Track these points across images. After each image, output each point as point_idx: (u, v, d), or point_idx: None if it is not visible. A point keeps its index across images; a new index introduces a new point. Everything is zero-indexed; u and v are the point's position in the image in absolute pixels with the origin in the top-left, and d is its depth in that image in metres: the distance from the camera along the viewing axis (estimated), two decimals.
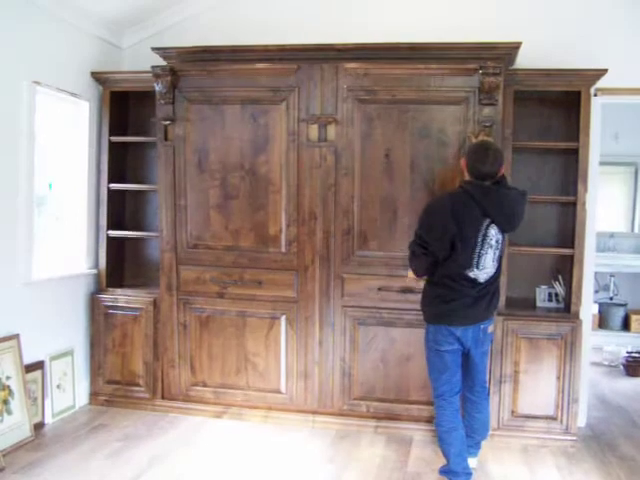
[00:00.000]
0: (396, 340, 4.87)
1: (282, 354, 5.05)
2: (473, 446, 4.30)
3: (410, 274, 4.16)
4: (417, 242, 3.88)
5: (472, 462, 4.30)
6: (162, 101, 5.02)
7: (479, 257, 3.78)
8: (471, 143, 4.18)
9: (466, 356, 4.05)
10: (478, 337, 3.97)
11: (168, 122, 5.05)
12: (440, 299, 3.92)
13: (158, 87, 4.98)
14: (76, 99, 5.20)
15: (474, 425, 4.23)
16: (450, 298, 3.88)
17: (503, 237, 3.90)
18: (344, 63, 4.76)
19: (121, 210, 5.67)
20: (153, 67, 4.97)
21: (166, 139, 5.08)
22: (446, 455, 3.96)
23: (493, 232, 3.80)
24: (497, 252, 3.85)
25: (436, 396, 4.03)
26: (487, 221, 3.77)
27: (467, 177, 3.92)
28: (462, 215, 3.73)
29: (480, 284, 3.86)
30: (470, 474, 3.96)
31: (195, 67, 4.99)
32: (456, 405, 4.00)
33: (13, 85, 4.54)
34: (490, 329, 4.07)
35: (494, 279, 3.95)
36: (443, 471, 4.04)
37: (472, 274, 3.81)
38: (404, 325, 4.84)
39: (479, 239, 3.77)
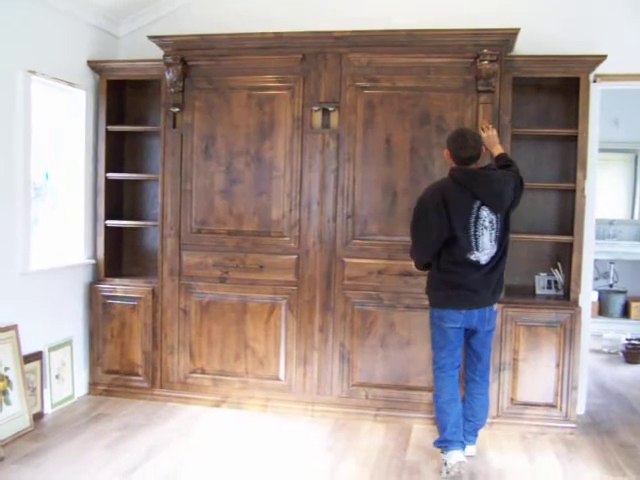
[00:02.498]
0: (396, 324, 4.89)
1: (281, 340, 5.07)
2: (471, 433, 4.33)
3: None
4: (417, 236, 4.07)
5: (471, 450, 4.32)
6: (172, 89, 5.07)
7: (476, 239, 3.95)
8: (450, 133, 4.25)
9: (472, 334, 4.18)
10: (484, 317, 4.10)
11: (177, 110, 5.09)
12: (446, 285, 4.05)
13: (169, 76, 5.04)
14: (72, 88, 5.17)
15: (475, 407, 4.29)
16: (456, 283, 4.02)
17: (497, 218, 4.01)
18: (347, 53, 4.83)
19: (119, 200, 5.66)
20: (165, 56, 5.03)
21: (174, 126, 5.12)
22: (443, 425, 4.08)
23: (485, 213, 3.96)
24: (494, 232, 3.99)
25: (437, 368, 4.16)
26: (477, 203, 3.94)
27: (452, 165, 4.07)
28: (453, 201, 3.92)
29: (483, 266, 4.00)
30: (464, 444, 4.11)
31: (203, 57, 5.04)
32: (456, 379, 4.14)
33: (8, 74, 4.51)
34: (495, 307, 4.19)
35: (497, 261, 4.06)
36: (439, 442, 4.12)
37: (473, 257, 3.96)
38: (404, 308, 4.87)
39: (471, 221, 3.94)
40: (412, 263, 4.32)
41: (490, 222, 3.98)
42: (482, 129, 4.51)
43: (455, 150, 4.01)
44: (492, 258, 4.03)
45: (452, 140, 4.05)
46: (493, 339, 4.36)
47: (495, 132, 4.48)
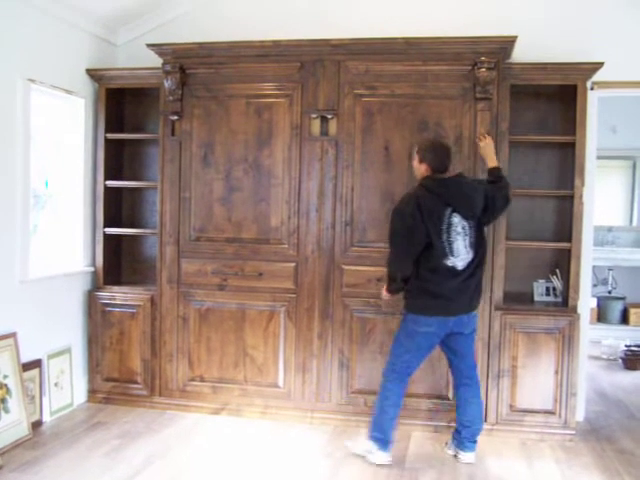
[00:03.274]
0: (394, 331, 4.86)
1: (280, 347, 5.07)
2: (469, 439, 4.36)
3: (385, 295, 4.42)
4: (397, 245, 4.16)
5: (470, 457, 4.35)
6: (171, 97, 5.09)
7: (450, 244, 4.09)
8: (423, 145, 4.33)
9: (452, 337, 4.28)
10: (462, 322, 4.23)
11: (176, 117, 5.10)
12: (425, 293, 4.17)
13: (167, 84, 5.05)
14: (71, 96, 5.18)
15: (471, 412, 4.35)
16: (435, 291, 4.14)
17: (469, 224, 4.16)
18: (345, 61, 4.85)
19: (118, 207, 5.67)
20: (163, 64, 5.04)
21: (173, 134, 5.14)
22: (382, 426, 4.27)
23: (457, 220, 4.11)
24: (467, 239, 4.15)
25: (392, 371, 4.29)
26: (449, 210, 4.09)
27: (424, 174, 4.21)
28: (426, 208, 4.06)
29: (460, 273, 4.13)
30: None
31: (202, 65, 5.06)
32: (405, 385, 4.33)
33: (8, 83, 4.52)
34: (474, 312, 4.35)
35: (474, 268, 4.20)
36: (379, 440, 4.28)
37: (449, 262, 4.10)
38: (402, 316, 4.82)
39: (444, 227, 4.08)
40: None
41: (463, 228, 4.13)
42: (479, 138, 4.57)
43: (435, 159, 4.17)
44: (469, 265, 4.16)
45: (431, 150, 4.21)
46: (475, 343, 4.44)
47: (491, 142, 4.56)
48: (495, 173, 4.44)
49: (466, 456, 4.34)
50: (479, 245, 4.23)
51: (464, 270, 4.15)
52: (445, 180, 4.16)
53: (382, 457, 4.27)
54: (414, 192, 4.18)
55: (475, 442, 4.39)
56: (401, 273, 4.21)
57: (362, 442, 4.40)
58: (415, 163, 4.29)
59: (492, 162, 4.50)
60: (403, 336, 4.28)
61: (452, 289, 4.14)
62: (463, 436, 4.37)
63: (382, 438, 4.27)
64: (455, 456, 4.41)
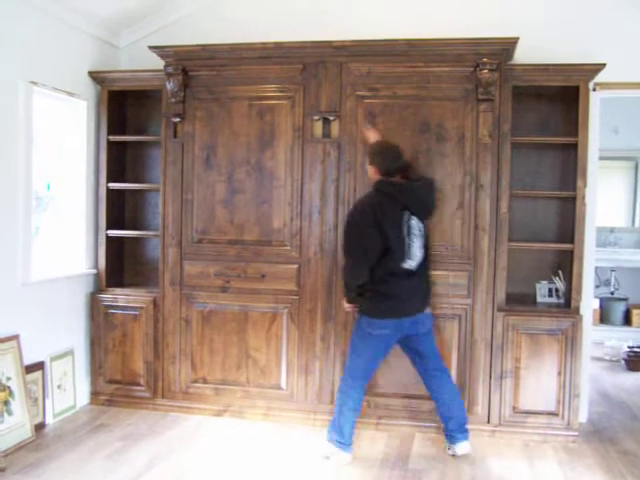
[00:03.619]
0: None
1: (283, 349, 5.07)
2: (458, 430, 4.43)
3: (346, 305, 4.47)
4: (355, 254, 4.20)
5: (464, 446, 4.43)
6: (173, 99, 5.09)
7: (409, 248, 4.17)
8: (371, 147, 4.44)
9: (409, 339, 4.36)
10: (416, 321, 4.31)
11: (178, 120, 5.10)
12: (381, 296, 4.22)
13: (170, 86, 5.06)
14: (74, 99, 5.19)
15: (447, 401, 4.44)
16: (391, 294, 4.20)
17: (424, 225, 4.29)
18: (348, 63, 4.85)
19: (120, 209, 5.67)
20: (165, 66, 5.05)
21: (175, 136, 5.14)
22: (342, 428, 4.31)
23: (414, 222, 4.21)
24: (422, 240, 4.26)
25: (350, 377, 4.34)
26: (407, 213, 4.17)
27: (378, 178, 4.27)
28: (385, 213, 4.10)
29: (413, 273, 4.23)
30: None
31: (204, 67, 5.06)
32: (364, 390, 4.37)
33: (10, 85, 4.53)
34: (428, 311, 4.43)
35: (424, 268, 4.34)
36: (337, 441, 4.33)
37: (407, 265, 4.19)
38: None
39: (404, 231, 4.15)
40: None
41: (419, 230, 4.24)
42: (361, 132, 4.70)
43: (386, 163, 4.22)
44: (420, 265, 4.27)
45: (380, 153, 4.28)
46: (434, 338, 4.53)
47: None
48: (412, 169, 4.48)
49: (460, 447, 4.39)
50: (427, 244, 4.36)
51: (417, 270, 4.25)
52: (402, 184, 4.21)
53: (344, 458, 4.32)
54: (371, 197, 4.23)
55: (466, 431, 4.44)
56: (359, 282, 4.24)
57: (324, 444, 4.44)
58: (367, 166, 4.39)
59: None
60: (358, 340, 4.33)
61: (406, 290, 4.23)
62: (450, 428, 4.42)
63: (342, 441, 4.33)
64: (454, 455, 4.43)
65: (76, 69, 5.23)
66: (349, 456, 4.34)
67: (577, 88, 4.71)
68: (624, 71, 4.89)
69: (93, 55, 5.42)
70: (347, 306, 4.49)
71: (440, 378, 4.45)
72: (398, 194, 4.14)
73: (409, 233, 4.16)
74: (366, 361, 4.31)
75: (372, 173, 4.32)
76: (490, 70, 4.58)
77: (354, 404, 4.31)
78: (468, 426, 4.48)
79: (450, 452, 4.45)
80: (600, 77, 4.76)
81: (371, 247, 4.11)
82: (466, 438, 4.43)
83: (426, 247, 4.33)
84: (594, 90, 4.88)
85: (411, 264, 4.19)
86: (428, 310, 4.43)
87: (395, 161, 4.23)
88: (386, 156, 4.25)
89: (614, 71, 4.76)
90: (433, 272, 4.66)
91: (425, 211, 4.30)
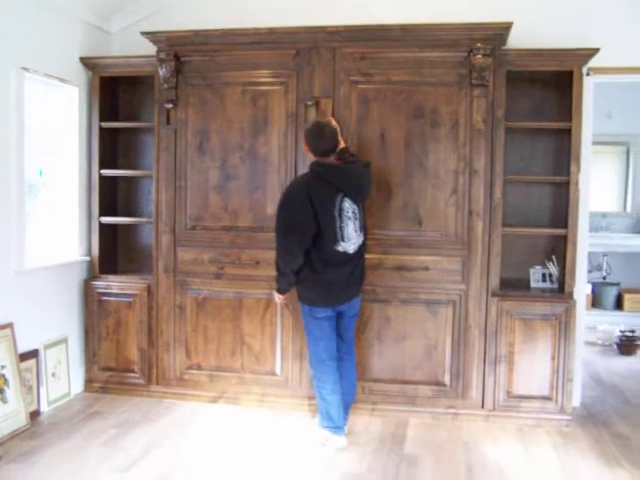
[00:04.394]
0: (391, 318, 4.91)
1: (277, 335, 5.07)
2: (344, 410, 4.47)
3: (278, 298, 4.51)
4: (288, 235, 4.16)
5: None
6: (165, 85, 5.06)
7: (342, 230, 4.17)
8: (305, 128, 4.45)
9: (338, 317, 4.42)
10: (351, 305, 4.42)
11: (171, 106, 5.07)
12: (318, 284, 4.26)
13: (162, 72, 5.03)
14: (65, 85, 5.15)
15: (345, 385, 4.47)
16: (328, 280, 4.23)
17: (359, 207, 4.29)
18: (341, 48, 4.82)
19: (113, 196, 5.65)
20: (158, 52, 5.02)
21: (168, 122, 5.12)
22: (329, 413, 4.35)
23: (347, 205, 4.19)
24: (357, 222, 4.26)
25: (318, 361, 4.37)
26: (340, 195, 4.17)
27: (312, 158, 4.27)
28: (318, 194, 4.11)
29: (350, 256, 4.24)
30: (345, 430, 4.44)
31: (197, 53, 5.03)
32: (336, 369, 4.37)
33: (1, 72, 4.49)
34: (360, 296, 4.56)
35: (362, 252, 4.37)
36: (330, 427, 4.37)
37: (341, 248, 4.19)
38: (399, 303, 4.90)
39: (336, 213, 4.15)
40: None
41: (353, 212, 4.23)
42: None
43: (314, 143, 4.21)
44: (359, 247, 4.31)
45: (310, 133, 4.24)
46: (356, 321, 4.62)
47: (338, 126, 4.60)
48: (349, 152, 4.52)
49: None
50: (365, 228, 4.40)
51: (355, 254, 4.27)
52: (335, 166, 4.23)
53: (339, 441, 4.35)
54: (304, 179, 4.26)
55: (347, 413, 4.54)
56: (293, 266, 4.22)
57: (318, 431, 4.47)
58: (304, 146, 4.40)
59: (341, 143, 4.50)
60: (311, 325, 4.37)
61: (343, 276, 4.26)
62: None
63: (332, 425, 4.36)
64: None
65: (67, 55, 5.19)
66: (344, 439, 4.37)
67: (571, 73, 4.71)
68: (618, 56, 4.89)
69: (84, 41, 5.37)
70: (278, 297, 4.50)
71: (348, 363, 4.54)
72: (331, 176, 4.16)
73: (341, 215, 4.15)
74: (326, 341, 4.33)
75: (305, 151, 4.37)
76: (484, 55, 4.57)
77: (332, 386, 4.33)
78: (346, 427, 4.49)
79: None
80: (594, 62, 4.75)
81: (305, 226, 4.09)
82: (346, 420, 4.49)
83: (364, 231, 4.36)
84: (588, 75, 4.89)
85: (346, 247, 4.20)
86: (360, 294, 4.52)
87: (326, 142, 4.18)
88: (314, 135, 4.20)
89: (608, 56, 4.75)
90: (429, 258, 4.70)
91: (359, 194, 4.29)
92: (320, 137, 4.19)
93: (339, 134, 4.46)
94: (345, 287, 4.31)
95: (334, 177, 4.16)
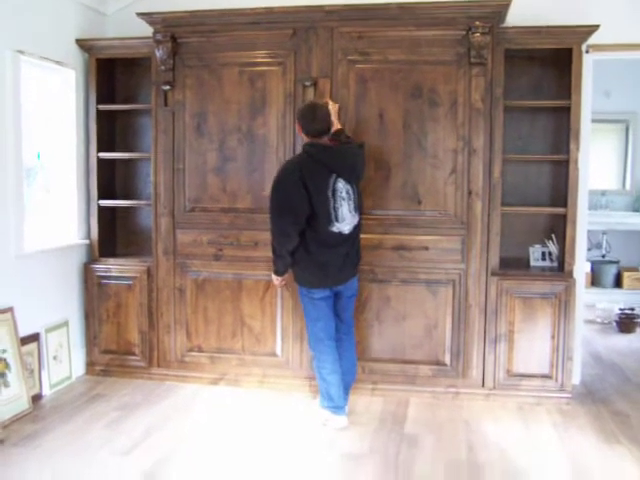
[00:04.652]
0: (391, 298, 4.91)
1: (278, 316, 5.08)
2: (344, 390, 4.49)
3: (276, 280, 4.51)
4: (283, 216, 4.15)
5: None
6: (162, 67, 5.04)
7: (335, 211, 4.16)
8: (298, 109, 4.47)
9: (336, 299, 4.44)
10: (347, 285, 4.43)
11: (168, 88, 5.05)
12: (314, 264, 4.27)
13: (159, 53, 5.00)
14: (61, 67, 5.12)
15: (345, 365, 4.49)
16: (323, 261, 4.24)
17: (353, 188, 4.28)
18: (339, 27, 4.79)
19: (111, 179, 5.63)
20: (154, 33, 4.99)
21: (166, 104, 5.09)
22: (329, 393, 4.38)
23: (341, 185, 4.19)
24: (352, 203, 4.26)
25: (317, 341, 4.40)
26: (333, 176, 4.17)
27: (306, 139, 4.26)
28: (311, 176, 4.10)
29: (345, 237, 4.25)
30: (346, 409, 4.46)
31: (194, 34, 4.99)
32: (335, 349, 4.40)
33: None
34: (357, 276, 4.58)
35: (357, 231, 4.38)
36: (330, 406, 4.40)
37: (335, 228, 4.19)
38: (399, 283, 4.90)
39: (330, 194, 4.14)
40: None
41: (347, 193, 4.22)
42: (325, 103, 4.57)
43: (306, 124, 4.20)
44: (355, 228, 4.31)
45: (302, 114, 4.24)
46: (355, 301, 4.66)
47: (337, 106, 4.64)
48: (344, 134, 4.51)
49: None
50: (361, 206, 4.41)
51: (350, 234, 4.28)
52: (328, 147, 4.22)
53: (340, 421, 4.39)
54: (297, 160, 4.24)
55: (347, 393, 4.54)
56: (288, 247, 4.23)
57: (319, 411, 4.49)
58: (297, 127, 4.38)
59: (337, 124, 4.53)
60: (309, 306, 4.39)
61: (339, 257, 4.27)
62: None
63: (332, 405, 4.39)
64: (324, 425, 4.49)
65: (63, 37, 5.15)
66: (344, 418, 4.40)
67: (570, 50, 4.68)
68: (617, 33, 4.85)
69: (80, 23, 5.33)
70: (276, 280, 4.51)
71: (346, 343, 4.56)
72: (324, 157, 4.15)
73: (334, 196, 4.15)
74: (324, 321, 4.36)
75: (298, 132, 4.36)
76: (482, 33, 4.54)
77: (332, 366, 4.35)
78: (347, 407, 4.51)
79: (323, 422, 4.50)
80: (593, 39, 4.72)
81: (299, 207, 4.09)
82: (346, 400, 4.51)
83: (359, 211, 4.36)
84: (587, 52, 4.85)
85: (341, 227, 4.20)
86: (356, 275, 4.54)
87: (319, 123, 4.17)
88: (306, 116, 4.20)
89: (607, 33, 4.72)
90: (429, 237, 4.72)
91: (353, 174, 4.28)
92: (312, 118, 4.17)
93: (336, 115, 4.47)
94: (341, 268, 4.32)
95: (327, 158, 4.16)
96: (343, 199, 4.19)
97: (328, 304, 4.37)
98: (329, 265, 4.25)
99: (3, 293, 4.54)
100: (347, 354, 4.55)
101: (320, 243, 4.20)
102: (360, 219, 4.38)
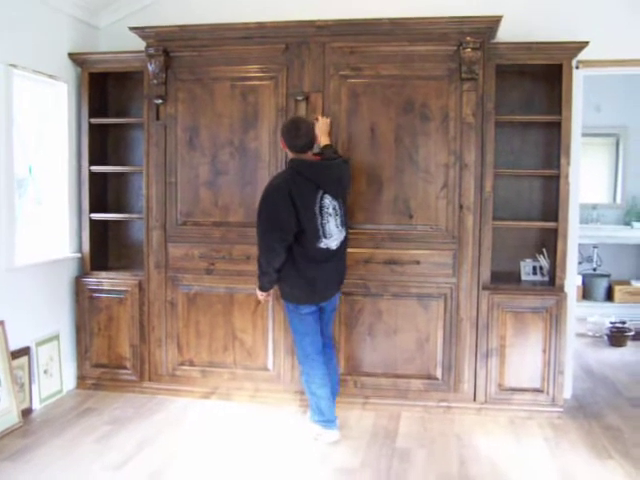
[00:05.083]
0: (383, 312, 4.92)
1: (269, 330, 5.07)
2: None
3: (260, 295, 4.50)
4: (270, 232, 4.14)
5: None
6: (155, 81, 5.04)
7: (323, 227, 4.18)
8: (282, 125, 4.46)
9: (319, 311, 4.45)
10: (332, 300, 4.50)
11: (160, 101, 5.06)
12: (301, 280, 4.25)
13: (151, 67, 5.01)
14: (54, 81, 5.13)
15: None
16: (311, 278, 4.24)
17: (339, 203, 4.32)
18: (331, 42, 4.81)
19: (103, 193, 5.62)
20: (147, 47, 5.00)
21: (158, 118, 5.10)
22: (320, 407, 4.38)
23: (327, 201, 4.21)
24: (338, 218, 4.29)
25: (305, 356, 4.39)
26: (320, 192, 4.18)
27: (291, 155, 4.28)
28: (299, 192, 4.10)
29: (333, 252, 4.26)
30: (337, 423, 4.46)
31: (186, 48, 5.00)
32: (323, 363, 4.40)
33: None
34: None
35: (344, 248, 4.41)
36: (321, 421, 4.40)
37: (323, 244, 4.19)
38: (390, 297, 4.90)
39: (317, 210, 4.16)
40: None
41: (334, 209, 4.25)
42: (316, 119, 4.65)
43: (289, 139, 4.21)
44: (342, 243, 4.33)
45: (286, 130, 4.24)
46: (335, 315, 4.74)
47: (328, 120, 4.70)
48: (332, 149, 4.55)
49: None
50: (346, 223, 4.42)
51: (338, 249, 4.30)
52: (314, 163, 4.24)
53: (331, 435, 4.39)
54: (284, 177, 4.21)
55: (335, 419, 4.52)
56: (275, 264, 4.21)
57: (310, 426, 4.49)
58: (280, 142, 4.41)
59: (325, 140, 4.58)
60: (296, 322, 4.39)
61: (325, 273, 4.29)
62: None
63: (323, 419, 4.39)
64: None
65: (56, 51, 5.16)
66: (336, 432, 4.40)
67: (560, 66, 4.71)
68: (607, 49, 4.88)
69: (72, 36, 5.34)
70: (261, 295, 4.50)
71: (327, 357, 4.53)
72: (311, 173, 4.15)
73: (322, 212, 4.16)
74: (311, 336, 4.36)
75: (282, 147, 4.37)
76: (473, 49, 4.57)
77: (321, 380, 4.35)
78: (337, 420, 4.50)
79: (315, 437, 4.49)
80: (583, 55, 4.76)
81: (286, 223, 4.07)
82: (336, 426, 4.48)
83: (345, 226, 4.38)
84: (577, 68, 4.89)
85: (329, 243, 4.21)
86: (340, 290, 4.61)
87: (301, 139, 4.17)
88: (290, 132, 4.20)
89: (597, 49, 4.76)
90: (420, 252, 4.72)
91: (339, 189, 4.31)
92: (295, 134, 4.18)
93: (327, 130, 4.54)
94: (327, 284, 4.35)
95: (313, 174, 4.16)
96: (330, 215, 4.21)
97: (315, 319, 4.38)
98: (317, 281, 4.26)
99: None
100: (329, 365, 4.55)
101: (308, 259, 4.20)
102: (346, 234, 4.40)
